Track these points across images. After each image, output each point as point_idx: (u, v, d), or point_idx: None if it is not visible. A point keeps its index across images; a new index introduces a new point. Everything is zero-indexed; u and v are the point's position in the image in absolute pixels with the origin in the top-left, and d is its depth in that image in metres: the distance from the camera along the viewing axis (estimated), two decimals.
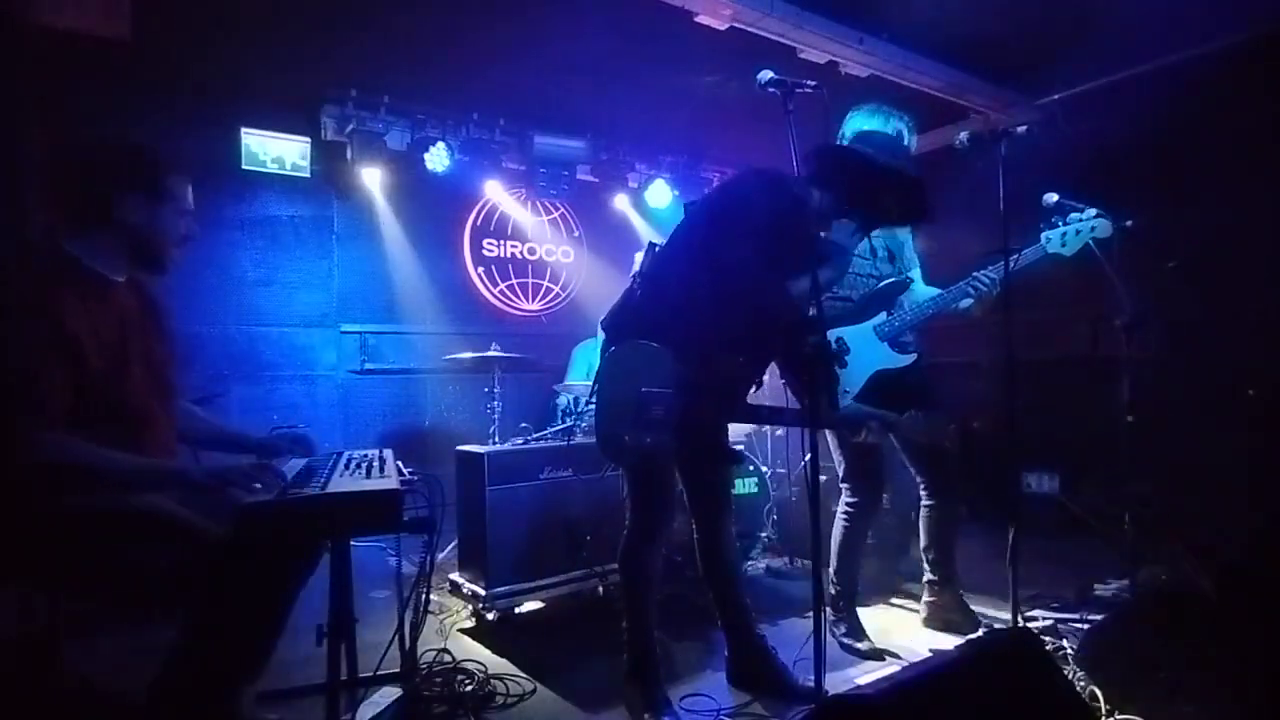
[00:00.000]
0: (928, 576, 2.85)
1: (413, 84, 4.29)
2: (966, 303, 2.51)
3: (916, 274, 2.74)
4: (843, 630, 2.64)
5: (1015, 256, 2.42)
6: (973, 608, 2.83)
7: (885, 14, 3.56)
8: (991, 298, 2.50)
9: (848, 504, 2.68)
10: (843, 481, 2.70)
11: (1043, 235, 2.46)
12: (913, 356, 2.54)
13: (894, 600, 3.16)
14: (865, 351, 2.51)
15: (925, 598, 2.86)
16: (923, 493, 2.80)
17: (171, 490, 1.59)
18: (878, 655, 2.55)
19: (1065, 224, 2.44)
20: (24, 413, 1.40)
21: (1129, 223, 2.70)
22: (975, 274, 2.46)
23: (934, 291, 2.57)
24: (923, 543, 2.83)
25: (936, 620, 2.82)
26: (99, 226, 1.61)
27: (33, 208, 3.34)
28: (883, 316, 2.53)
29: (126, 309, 1.68)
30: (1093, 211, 2.44)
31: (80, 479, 1.46)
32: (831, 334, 2.52)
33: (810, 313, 1.77)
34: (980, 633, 2.69)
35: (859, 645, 2.58)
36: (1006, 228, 2.36)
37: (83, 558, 1.48)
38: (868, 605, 2.93)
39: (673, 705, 2.17)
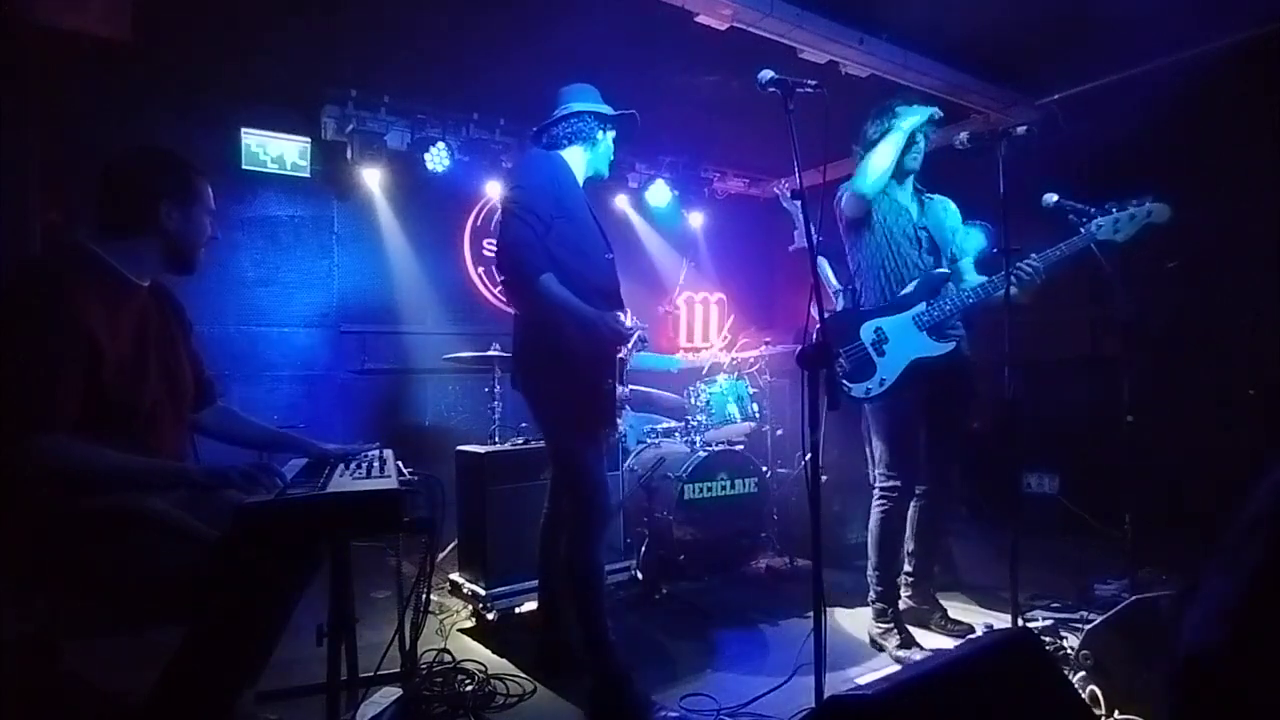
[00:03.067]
0: (906, 568, 2.84)
1: (413, 84, 4.29)
2: (1012, 291, 2.49)
3: (968, 262, 2.76)
4: (895, 644, 2.55)
5: (1067, 242, 2.46)
6: (972, 608, 2.83)
7: (885, 14, 3.55)
8: (1036, 285, 2.51)
9: (885, 490, 2.65)
10: (877, 466, 2.68)
11: (1093, 223, 2.46)
12: (951, 345, 2.56)
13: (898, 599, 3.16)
14: (903, 341, 2.55)
15: (902, 593, 2.85)
16: (918, 487, 2.78)
17: (171, 490, 1.60)
18: None
19: (1118, 210, 2.43)
20: (34, 414, 1.41)
21: None
22: (1018, 264, 2.46)
23: (981, 279, 2.59)
24: (907, 533, 2.82)
25: (910, 617, 2.82)
26: (144, 232, 1.64)
27: (37, 208, 3.34)
28: (922, 306, 2.56)
29: (148, 312, 1.69)
30: (1149, 198, 2.44)
31: (80, 480, 1.46)
32: (869, 324, 2.57)
33: (813, 310, 1.78)
34: (980, 632, 2.70)
35: (916, 658, 2.44)
36: (1006, 227, 2.37)
37: (82, 560, 1.48)
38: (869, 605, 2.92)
39: (657, 702, 2.17)
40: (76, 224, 3.39)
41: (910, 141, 2.61)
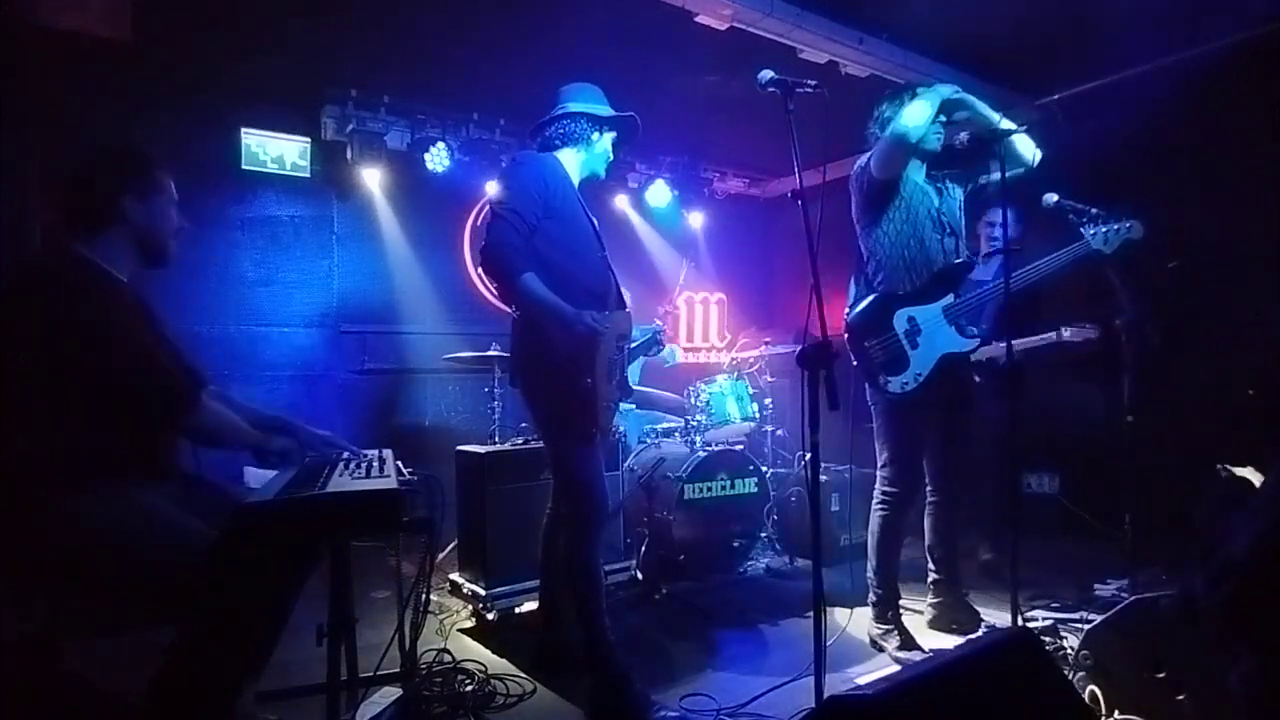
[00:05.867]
0: (933, 577, 2.82)
1: (413, 84, 4.29)
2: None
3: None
4: (895, 644, 2.55)
5: (1067, 249, 2.54)
6: (973, 607, 2.82)
7: (885, 14, 3.55)
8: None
9: (885, 493, 2.63)
10: (881, 468, 2.65)
11: (1088, 232, 2.50)
12: (975, 341, 2.55)
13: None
14: (935, 333, 2.52)
15: (930, 599, 2.83)
16: (928, 488, 2.77)
17: (243, 450, 1.79)
18: None
19: (1105, 225, 2.50)
20: (179, 395, 1.62)
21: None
22: (1036, 264, 2.49)
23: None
24: (928, 541, 2.81)
25: (943, 621, 2.79)
26: (113, 227, 1.65)
27: (37, 208, 3.34)
28: (950, 298, 2.52)
29: (135, 308, 1.70)
30: (1126, 213, 2.52)
31: (218, 438, 1.70)
32: (902, 312, 2.53)
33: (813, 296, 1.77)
34: (980, 632, 2.69)
35: (917, 659, 2.46)
36: (1006, 226, 2.37)
37: (82, 560, 1.48)
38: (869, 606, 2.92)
39: (657, 702, 2.17)
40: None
41: (937, 112, 2.52)
